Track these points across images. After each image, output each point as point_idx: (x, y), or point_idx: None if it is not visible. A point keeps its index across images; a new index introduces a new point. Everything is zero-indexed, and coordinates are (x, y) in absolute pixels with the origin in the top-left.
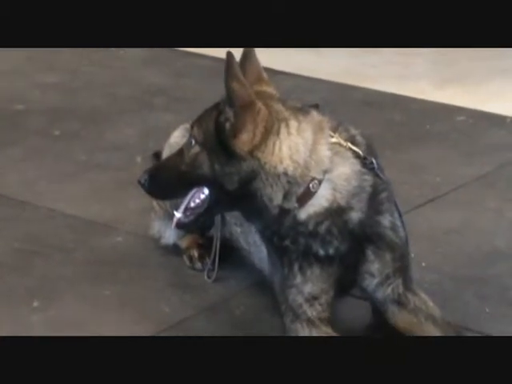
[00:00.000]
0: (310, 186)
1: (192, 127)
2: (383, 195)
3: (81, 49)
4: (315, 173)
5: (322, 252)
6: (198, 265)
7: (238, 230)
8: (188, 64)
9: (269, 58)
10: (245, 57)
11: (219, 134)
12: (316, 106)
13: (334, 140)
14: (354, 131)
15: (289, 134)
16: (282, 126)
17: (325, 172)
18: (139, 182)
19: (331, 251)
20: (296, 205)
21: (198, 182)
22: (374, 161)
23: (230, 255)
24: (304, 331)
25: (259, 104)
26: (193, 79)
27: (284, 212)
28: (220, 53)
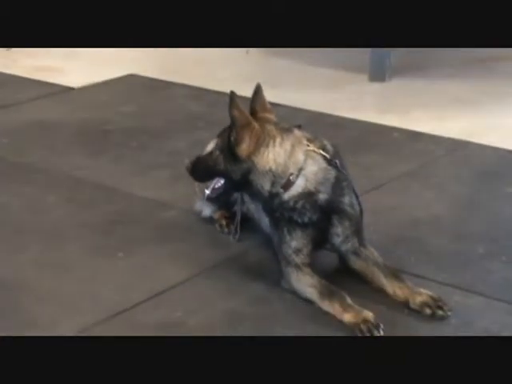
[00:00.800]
0: (290, 178)
1: (217, 138)
2: (344, 184)
3: (147, 87)
4: (293, 170)
5: (299, 220)
6: (226, 230)
7: (252, 206)
8: (217, 99)
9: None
10: (255, 92)
11: (229, 144)
12: (299, 126)
13: (310, 148)
14: (325, 142)
15: (274, 146)
16: (271, 140)
17: (300, 169)
18: (186, 168)
19: (306, 220)
20: (281, 190)
21: (218, 173)
22: (337, 161)
23: (247, 224)
24: (293, 273)
25: (254, 124)
26: (220, 109)
27: (273, 195)
28: (242, 92)
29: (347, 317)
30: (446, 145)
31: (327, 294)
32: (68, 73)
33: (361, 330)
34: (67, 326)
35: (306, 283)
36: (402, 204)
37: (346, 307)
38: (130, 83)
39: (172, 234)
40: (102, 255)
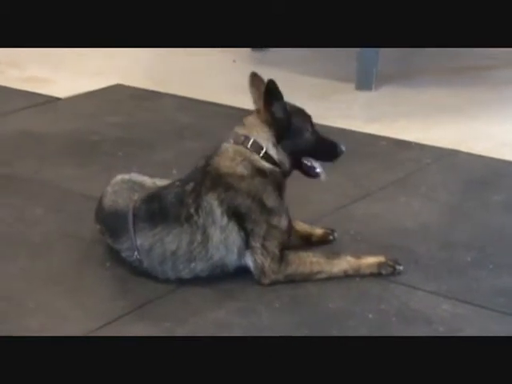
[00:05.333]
0: None
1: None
2: None
3: (135, 97)
4: None
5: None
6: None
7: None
8: (206, 109)
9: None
10: (250, 82)
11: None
12: None
13: None
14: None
15: None
16: None
17: None
18: None
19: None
20: None
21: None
22: None
23: None
24: (288, 263)
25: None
26: (208, 119)
27: None
28: (229, 102)
29: (368, 260)
30: (433, 153)
31: (331, 256)
32: (55, 83)
33: (390, 265)
34: None
35: (303, 262)
36: (390, 213)
37: (357, 256)
38: (117, 93)
39: None
40: (90, 265)
